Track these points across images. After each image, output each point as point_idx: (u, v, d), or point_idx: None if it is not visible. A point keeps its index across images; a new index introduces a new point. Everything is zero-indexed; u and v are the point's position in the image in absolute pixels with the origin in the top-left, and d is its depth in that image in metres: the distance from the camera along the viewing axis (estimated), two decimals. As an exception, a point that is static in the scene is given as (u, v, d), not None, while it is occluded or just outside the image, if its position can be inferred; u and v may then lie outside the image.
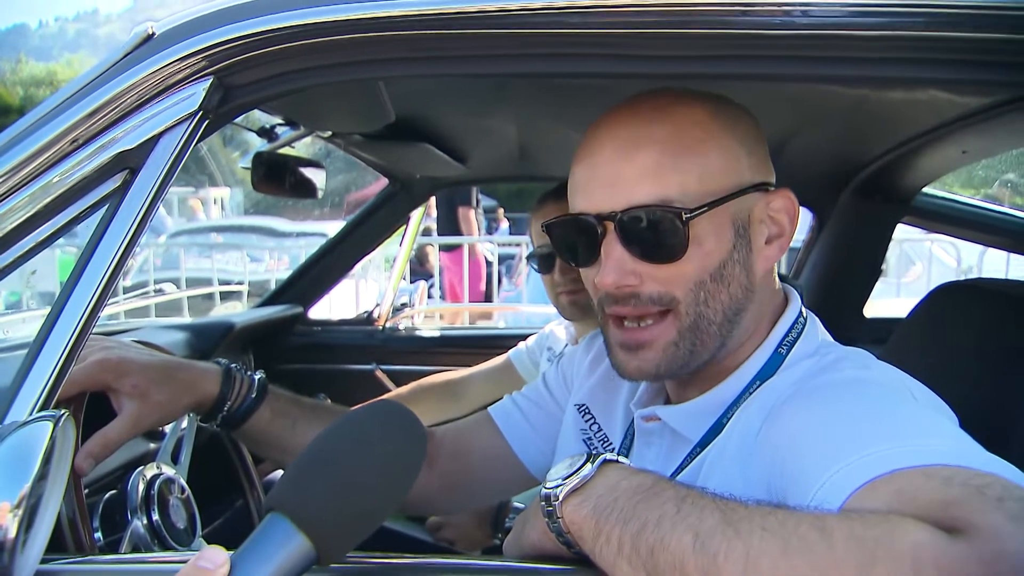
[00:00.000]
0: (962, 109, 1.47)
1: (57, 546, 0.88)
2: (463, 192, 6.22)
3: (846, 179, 2.04)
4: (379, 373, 2.64)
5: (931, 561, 0.54)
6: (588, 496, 0.72)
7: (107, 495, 1.19)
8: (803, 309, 0.95)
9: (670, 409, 0.95)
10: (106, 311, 0.85)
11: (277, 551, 0.63)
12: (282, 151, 1.89)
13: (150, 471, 1.24)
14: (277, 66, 0.86)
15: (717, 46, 0.83)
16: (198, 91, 0.85)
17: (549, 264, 1.84)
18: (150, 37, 0.85)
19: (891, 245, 2.24)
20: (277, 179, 1.87)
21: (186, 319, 4.48)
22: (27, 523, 0.67)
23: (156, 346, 1.31)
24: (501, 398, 1.28)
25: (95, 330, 0.84)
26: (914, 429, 0.70)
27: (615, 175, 0.86)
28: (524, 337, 2.25)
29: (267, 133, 1.79)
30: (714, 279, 0.86)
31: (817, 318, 0.96)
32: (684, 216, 0.83)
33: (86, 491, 1.33)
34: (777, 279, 0.97)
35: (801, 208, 0.94)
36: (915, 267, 6.36)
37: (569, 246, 0.93)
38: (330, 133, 1.84)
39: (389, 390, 2.51)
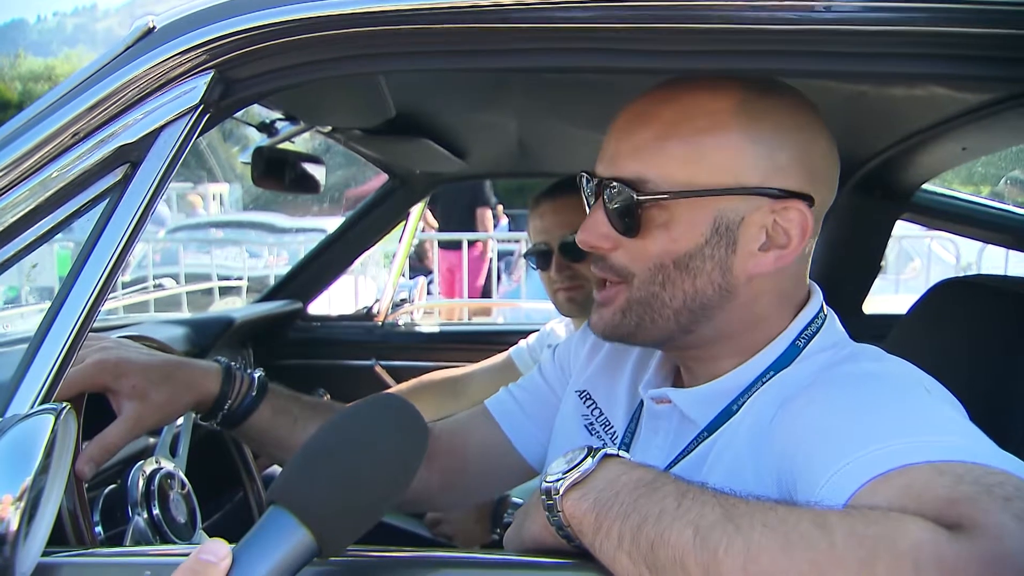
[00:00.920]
0: (962, 105, 1.47)
1: (58, 541, 0.89)
2: (480, 192, 6.23)
3: (846, 175, 2.04)
4: (378, 369, 2.64)
5: (932, 560, 0.54)
6: (588, 490, 0.72)
7: (107, 490, 1.20)
8: (823, 305, 0.95)
9: (682, 392, 0.96)
10: (105, 306, 0.85)
11: (279, 544, 0.63)
12: (282, 146, 1.89)
13: (149, 466, 1.24)
14: (278, 60, 0.86)
15: (718, 41, 0.82)
16: (199, 85, 0.85)
17: (546, 260, 1.84)
18: (151, 31, 0.85)
19: (890, 241, 2.25)
20: (277, 174, 1.87)
21: (185, 314, 4.48)
22: (29, 516, 0.67)
23: (155, 342, 1.31)
24: None
25: (93, 326, 0.84)
26: (929, 424, 0.70)
27: (616, 146, 0.90)
28: (524, 334, 2.25)
29: (267, 128, 1.79)
30: (678, 267, 0.88)
31: (836, 316, 0.96)
32: (638, 197, 0.86)
33: (86, 486, 1.33)
34: (806, 277, 0.96)
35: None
36: (913, 263, 6.36)
37: (583, 201, 0.97)
38: (330, 128, 1.84)
39: (388, 386, 2.51)
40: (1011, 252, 4.06)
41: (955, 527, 0.56)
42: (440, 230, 6.71)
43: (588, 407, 1.12)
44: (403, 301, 2.84)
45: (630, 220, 0.88)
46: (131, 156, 0.84)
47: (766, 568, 0.58)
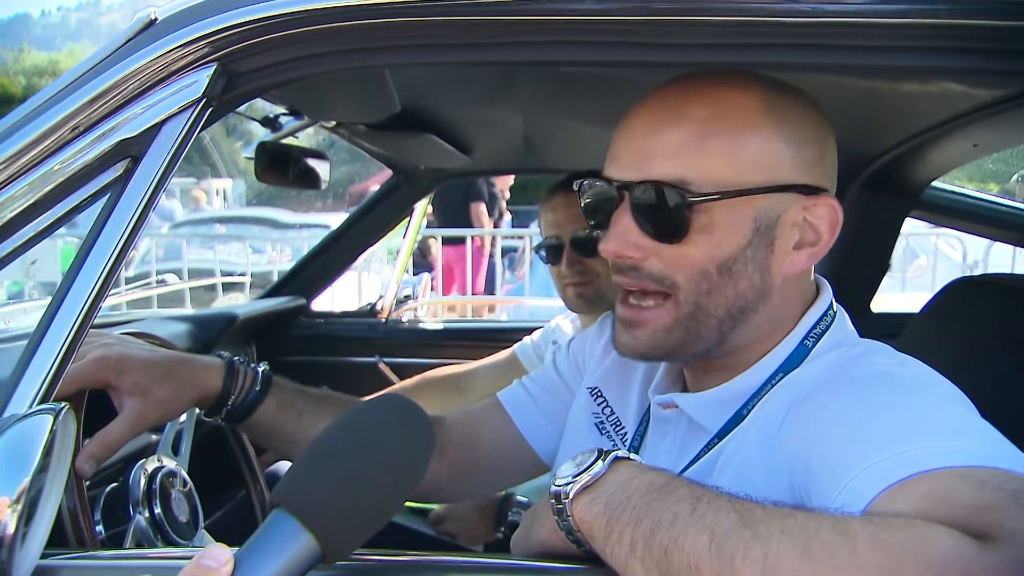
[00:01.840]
0: (974, 101, 1.45)
1: (58, 540, 0.87)
2: (474, 188, 6.20)
3: (855, 172, 2.02)
4: (382, 366, 2.63)
5: (959, 569, 0.53)
6: (599, 494, 0.70)
7: (108, 488, 1.18)
8: (833, 302, 0.93)
9: (688, 397, 0.93)
10: (108, 302, 0.84)
11: (282, 549, 0.62)
12: (286, 141, 1.87)
13: (151, 464, 1.23)
14: (282, 53, 0.85)
15: (728, 34, 0.81)
16: (201, 78, 0.83)
17: (557, 255, 1.82)
18: (152, 23, 0.83)
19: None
20: (280, 169, 1.85)
21: (188, 310, 4.48)
22: (27, 517, 0.66)
23: (157, 338, 1.30)
24: None
25: (95, 322, 0.82)
26: (946, 427, 0.68)
27: (643, 146, 0.85)
28: (527, 330, 2.23)
29: (271, 123, 1.77)
30: (721, 272, 0.84)
31: (846, 313, 0.94)
32: (688, 199, 0.81)
33: (87, 485, 1.32)
34: (812, 276, 0.94)
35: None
36: (919, 260, 6.33)
37: (590, 208, 0.91)
38: (334, 123, 1.83)
39: (392, 383, 2.50)
40: (1019, 250, 4.04)
41: (982, 536, 0.55)
42: (435, 226, 6.69)
43: (599, 405, 1.10)
44: (407, 297, 2.83)
45: (671, 225, 0.82)
46: (132, 150, 0.83)
47: None
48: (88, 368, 0.99)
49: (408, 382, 2.27)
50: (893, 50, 0.81)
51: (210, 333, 2.02)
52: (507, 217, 10.24)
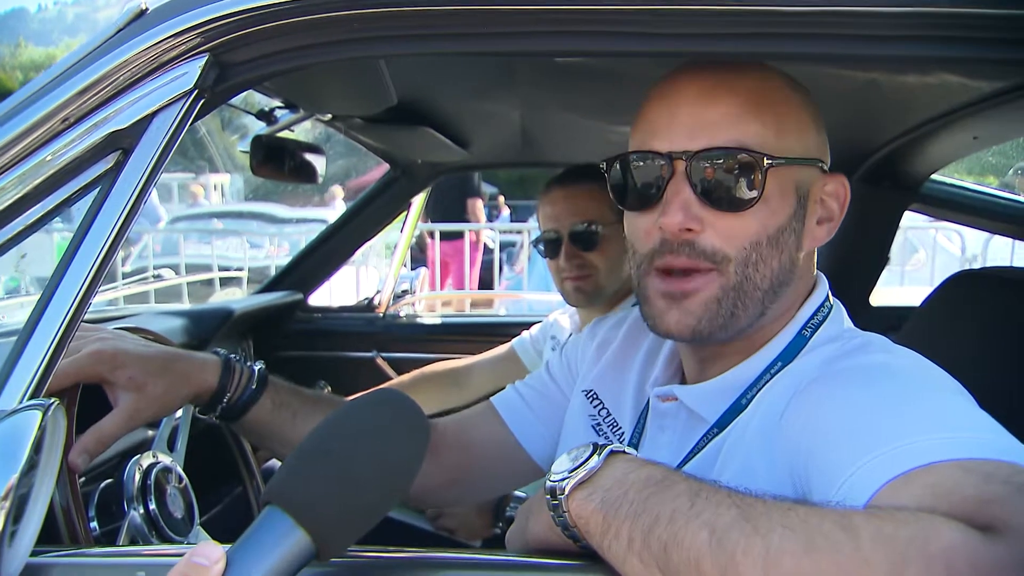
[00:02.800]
0: (974, 93, 1.44)
1: (52, 537, 0.87)
2: (470, 183, 6.19)
3: (855, 166, 2.01)
4: (379, 360, 2.62)
5: (966, 563, 0.52)
6: (595, 489, 0.70)
7: (103, 484, 1.17)
8: (829, 295, 0.93)
9: (688, 388, 0.93)
10: (105, 296, 0.83)
11: (275, 546, 0.61)
12: (282, 135, 1.86)
13: (146, 460, 1.22)
14: (275, 43, 0.83)
15: (727, 24, 0.80)
16: (193, 69, 0.82)
17: (555, 249, 1.81)
18: (143, 13, 0.82)
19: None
20: (276, 163, 1.84)
21: (184, 306, 4.47)
22: (15, 515, 0.65)
23: (153, 333, 1.29)
24: (504, 387, 1.26)
25: (90, 317, 0.81)
26: (949, 420, 0.67)
27: (696, 116, 0.84)
28: (525, 325, 2.23)
29: (266, 116, 1.76)
30: (770, 243, 0.85)
31: (843, 306, 0.94)
32: (765, 163, 0.82)
33: (81, 480, 1.31)
34: (815, 264, 0.95)
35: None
36: (918, 254, 6.33)
37: (628, 187, 0.89)
38: (330, 116, 1.81)
39: (390, 378, 2.49)
40: (1018, 243, 4.03)
41: (987, 529, 0.54)
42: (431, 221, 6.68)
43: (595, 407, 1.09)
44: (404, 292, 2.82)
45: (741, 192, 0.82)
46: (123, 143, 0.81)
47: (788, 571, 0.56)
48: (83, 362, 0.98)
49: (405, 377, 2.26)
50: (893, 39, 0.80)
51: (206, 328, 2.01)
52: (505, 212, 10.25)
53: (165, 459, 1.27)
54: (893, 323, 1.38)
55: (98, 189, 0.81)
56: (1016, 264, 4.18)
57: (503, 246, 7.17)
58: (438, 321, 2.80)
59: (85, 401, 1.01)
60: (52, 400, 0.69)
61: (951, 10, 0.76)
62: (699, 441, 0.89)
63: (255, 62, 0.85)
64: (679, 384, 0.97)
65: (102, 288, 0.83)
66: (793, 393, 0.79)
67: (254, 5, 0.80)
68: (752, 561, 0.57)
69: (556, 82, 1.60)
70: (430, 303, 5.19)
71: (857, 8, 0.77)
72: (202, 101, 0.84)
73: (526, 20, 0.81)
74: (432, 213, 6.41)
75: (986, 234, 4.64)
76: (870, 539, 0.55)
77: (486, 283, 6.73)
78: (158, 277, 5.79)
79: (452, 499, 1.42)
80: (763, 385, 0.86)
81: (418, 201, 2.67)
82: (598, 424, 1.08)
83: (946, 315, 1.26)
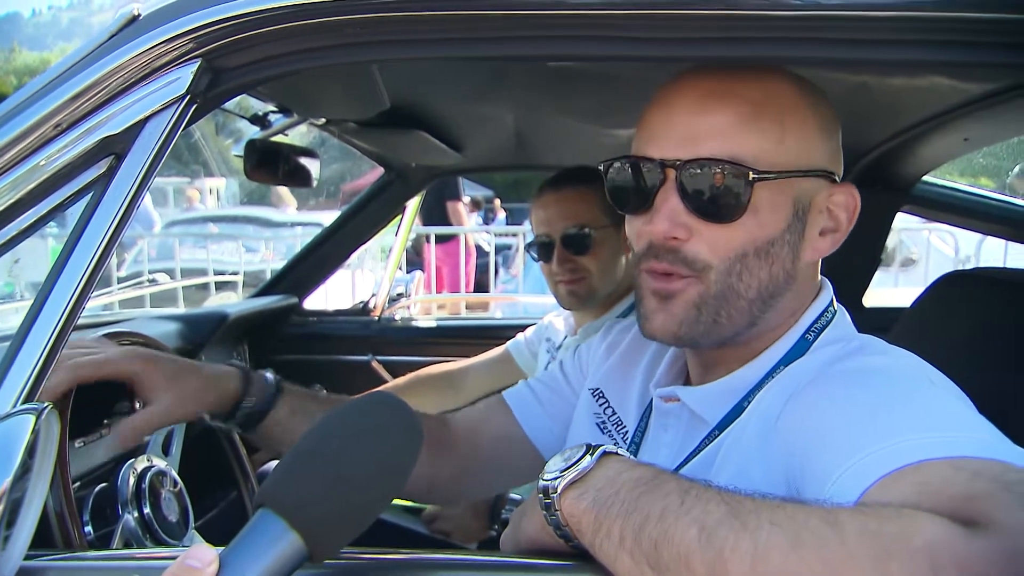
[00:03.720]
0: (965, 95, 1.45)
1: (46, 542, 0.87)
2: (450, 186, 6.18)
3: (846, 167, 2.01)
4: (375, 364, 2.62)
5: (949, 558, 0.53)
6: (587, 488, 0.70)
7: (97, 488, 1.18)
8: (834, 300, 0.94)
9: (690, 390, 0.94)
10: (100, 301, 0.84)
11: (267, 549, 0.61)
12: (276, 139, 1.86)
13: (141, 463, 1.22)
14: (267, 48, 0.84)
15: (717, 28, 0.80)
16: (185, 74, 0.82)
17: (548, 252, 1.82)
18: (135, 18, 0.82)
19: (890, 234, 2.23)
20: (270, 167, 1.84)
21: (179, 310, 4.46)
22: (8, 519, 0.65)
23: (145, 337, 1.29)
24: (499, 390, 1.26)
25: (85, 322, 0.81)
26: (940, 420, 0.68)
27: (692, 124, 0.84)
28: (521, 328, 2.23)
29: (260, 120, 1.76)
30: (758, 254, 0.84)
31: (847, 312, 0.94)
32: (751, 177, 0.81)
33: (77, 484, 1.31)
34: (819, 270, 0.95)
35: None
36: (912, 255, 6.34)
37: (622, 190, 0.90)
38: (324, 120, 1.82)
39: (385, 381, 2.49)
40: (1010, 244, 4.05)
41: (971, 524, 0.54)
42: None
43: (601, 406, 1.10)
44: (400, 295, 2.82)
45: (724, 204, 0.82)
46: (115, 148, 0.82)
47: (775, 567, 0.56)
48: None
49: (401, 380, 2.26)
50: (883, 44, 0.81)
51: (201, 332, 2.01)
52: (500, 215, 10.26)
53: (160, 463, 1.27)
54: (885, 324, 1.38)
55: (91, 194, 0.81)
56: (1009, 265, 4.20)
57: (499, 249, 7.17)
58: (433, 324, 2.80)
59: (82, 401, 1.02)
60: (45, 404, 0.69)
61: (939, 14, 0.77)
62: (700, 443, 0.90)
63: (247, 67, 0.85)
64: (683, 385, 0.98)
65: (97, 293, 0.83)
66: (790, 395, 0.80)
67: (246, 11, 0.80)
68: (740, 557, 0.58)
69: (550, 85, 1.60)
70: (426, 306, 5.19)
71: (845, 12, 0.77)
72: (195, 106, 0.84)
73: (519, 25, 0.82)
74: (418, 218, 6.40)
75: (979, 235, 4.66)
76: (855, 534, 0.55)
77: (482, 286, 6.72)
78: (152, 281, 5.79)
79: (459, 493, 1.42)
80: (764, 387, 0.87)
81: (412, 205, 2.67)
82: (603, 422, 1.08)
83: (937, 316, 1.26)
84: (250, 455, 1.60)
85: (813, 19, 0.78)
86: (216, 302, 5.83)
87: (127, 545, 1.07)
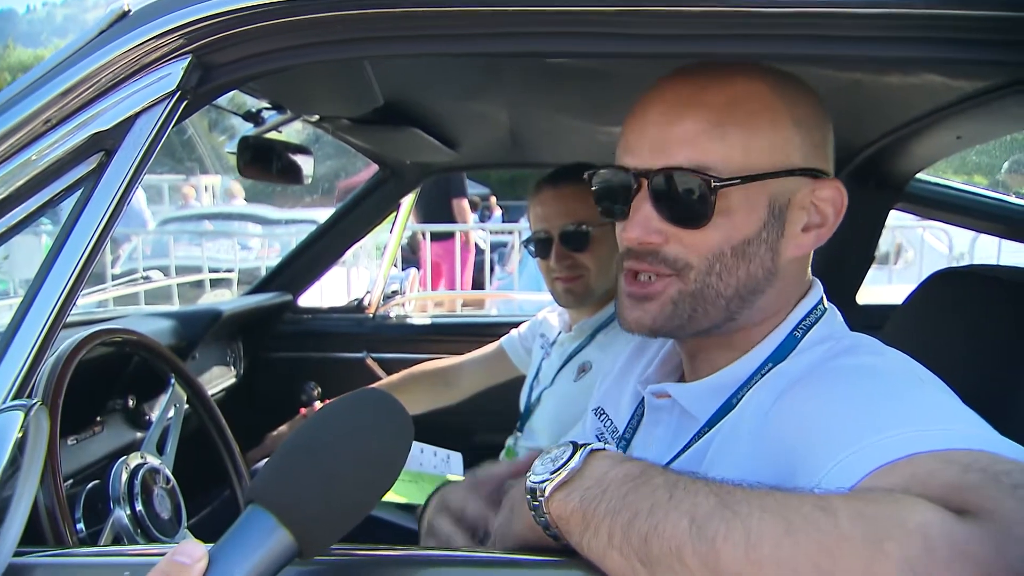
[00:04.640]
0: (957, 93, 1.45)
1: (37, 539, 0.87)
2: (455, 183, 6.18)
3: (839, 165, 2.01)
4: (369, 361, 2.62)
5: (942, 537, 0.53)
6: (575, 489, 0.70)
7: (90, 485, 1.18)
8: (824, 298, 0.94)
9: (681, 386, 0.95)
10: (94, 298, 0.84)
11: (257, 545, 0.61)
12: (269, 136, 1.86)
13: (134, 460, 1.22)
14: (258, 44, 0.84)
15: (710, 25, 0.81)
16: (176, 70, 0.82)
17: (546, 249, 1.81)
18: (125, 14, 0.82)
19: (884, 232, 2.23)
20: (263, 164, 1.84)
21: (173, 307, 4.45)
22: (-2, 516, 0.65)
23: (136, 334, 1.29)
24: (493, 385, 1.26)
25: (79, 319, 0.81)
26: (933, 414, 0.68)
27: (660, 135, 0.86)
28: (515, 325, 2.23)
29: (253, 117, 1.76)
30: (735, 254, 0.86)
31: (838, 311, 0.95)
32: (713, 184, 0.82)
33: (70, 481, 1.31)
34: (809, 268, 0.95)
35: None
36: (907, 254, 6.36)
37: (605, 197, 0.93)
38: (317, 117, 1.81)
39: (379, 378, 2.49)
40: (1003, 241, 4.06)
41: (962, 512, 0.55)
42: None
43: (603, 421, 1.12)
44: (394, 293, 2.81)
45: (693, 210, 0.84)
46: (105, 144, 0.82)
47: (769, 553, 0.56)
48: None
49: (395, 377, 2.26)
50: (876, 40, 0.81)
51: (195, 330, 2.01)
52: (497, 212, 10.26)
53: (153, 460, 1.27)
54: (878, 321, 1.39)
55: (81, 190, 0.81)
56: (1003, 262, 4.21)
57: (494, 246, 7.17)
58: (428, 321, 2.80)
59: (81, 401, 1.01)
60: (34, 401, 0.69)
61: (930, 11, 0.77)
62: (691, 439, 0.90)
63: (238, 63, 0.85)
64: (675, 382, 0.99)
65: (91, 290, 0.83)
66: (780, 393, 0.81)
67: (237, 7, 0.80)
68: (733, 545, 0.58)
69: (544, 82, 1.60)
70: (421, 303, 5.18)
71: (836, 9, 0.77)
72: (185, 102, 0.84)
73: (510, 22, 0.82)
74: (418, 215, 6.40)
75: (973, 233, 4.67)
76: (849, 518, 0.56)
77: (477, 283, 6.72)
78: (146, 279, 5.77)
79: None
80: (753, 385, 0.88)
81: (407, 202, 2.67)
82: (601, 434, 1.11)
83: (927, 313, 1.26)
84: (243, 453, 1.60)
85: (805, 16, 0.78)
86: (210, 299, 5.82)
87: (118, 542, 1.07)
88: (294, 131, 2.06)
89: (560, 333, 1.96)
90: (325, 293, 4.39)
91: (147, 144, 0.82)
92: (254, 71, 0.86)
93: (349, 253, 2.93)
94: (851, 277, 2.26)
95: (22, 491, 0.69)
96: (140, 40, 0.81)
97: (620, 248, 0.93)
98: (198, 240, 7.34)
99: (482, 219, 9.54)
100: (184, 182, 11.07)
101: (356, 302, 2.77)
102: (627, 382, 1.10)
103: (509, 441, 1.94)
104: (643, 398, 1.01)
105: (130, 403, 1.64)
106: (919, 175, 2.06)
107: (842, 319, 0.95)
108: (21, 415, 0.66)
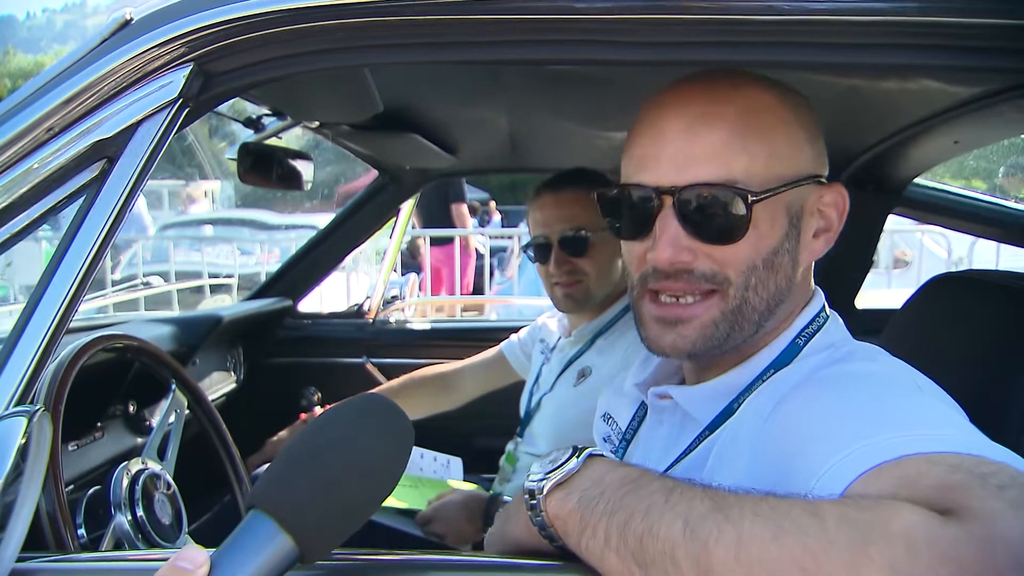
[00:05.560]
0: (954, 98, 1.46)
1: (38, 544, 0.87)
2: (454, 188, 6.19)
3: (837, 170, 2.03)
4: (369, 366, 2.62)
5: (925, 542, 0.54)
6: (573, 490, 0.71)
7: (91, 491, 1.18)
8: (825, 306, 0.95)
9: (683, 389, 0.95)
10: (95, 304, 0.84)
11: (259, 550, 0.61)
12: (269, 142, 1.86)
13: (135, 466, 1.22)
14: (259, 52, 0.84)
15: (708, 32, 0.81)
16: (178, 78, 0.83)
17: (545, 254, 1.82)
18: (128, 23, 0.83)
19: (882, 236, 2.23)
20: (263, 170, 1.84)
21: (173, 313, 4.45)
22: (0, 522, 0.65)
23: (137, 340, 1.29)
24: (492, 390, 1.26)
25: (79, 325, 0.82)
26: (922, 419, 0.69)
27: (682, 151, 0.84)
28: (515, 330, 2.23)
29: (253, 123, 1.76)
30: (765, 266, 0.86)
31: (840, 318, 0.95)
32: (750, 199, 0.82)
33: (71, 487, 1.31)
34: (812, 275, 0.96)
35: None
36: (905, 257, 6.37)
37: (619, 216, 0.91)
38: (317, 124, 1.82)
39: (379, 383, 2.49)
40: (1002, 246, 4.07)
41: (948, 513, 0.56)
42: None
43: (610, 426, 1.13)
44: (394, 298, 2.82)
45: (724, 226, 0.83)
46: (108, 151, 0.82)
47: (758, 556, 0.58)
48: None
49: (395, 382, 2.26)
50: (873, 48, 0.82)
51: (195, 335, 2.01)
52: (496, 217, 10.26)
53: (154, 466, 1.27)
54: (877, 325, 1.39)
55: (84, 197, 0.82)
56: (1001, 267, 4.21)
57: (494, 251, 7.17)
58: (428, 326, 2.81)
59: (82, 403, 1.02)
60: (38, 407, 0.69)
61: (926, 19, 0.78)
62: (692, 442, 0.91)
63: (239, 71, 0.85)
64: (677, 384, 0.99)
65: (92, 296, 0.84)
66: (779, 399, 0.81)
67: (238, 15, 0.81)
68: (724, 547, 0.59)
69: (543, 88, 1.61)
70: (421, 308, 5.19)
71: (835, 17, 0.78)
72: (187, 110, 0.85)
73: (507, 30, 0.82)
74: (418, 220, 6.41)
75: (971, 238, 4.68)
76: (835, 522, 0.57)
77: (477, 288, 6.73)
78: (146, 284, 5.77)
79: None
80: (754, 390, 0.88)
81: (407, 207, 2.67)
82: (608, 437, 1.12)
83: (925, 317, 1.27)
84: (244, 459, 1.60)
85: (804, 23, 0.79)
86: (211, 305, 5.82)
87: (119, 547, 1.07)
88: (294, 137, 2.07)
89: (560, 338, 1.96)
90: (325, 298, 4.39)
91: (149, 151, 0.82)
92: (255, 79, 0.86)
93: (349, 258, 2.93)
94: (850, 281, 2.26)
95: (25, 497, 0.70)
96: (142, 48, 0.81)
97: (636, 270, 0.90)
98: (198, 245, 7.35)
99: (481, 224, 9.54)
100: (184, 188, 11.07)
101: (356, 307, 2.77)
102: (628, 384, 1.10)
103: (509, 446, 1.95)
104: (643, 399, 1.02)
105: (131, 409, 1.65)
106: (917, 180, 2.06)
107: (844, 326, 0.95)
108: (24, 421, 0.66)
